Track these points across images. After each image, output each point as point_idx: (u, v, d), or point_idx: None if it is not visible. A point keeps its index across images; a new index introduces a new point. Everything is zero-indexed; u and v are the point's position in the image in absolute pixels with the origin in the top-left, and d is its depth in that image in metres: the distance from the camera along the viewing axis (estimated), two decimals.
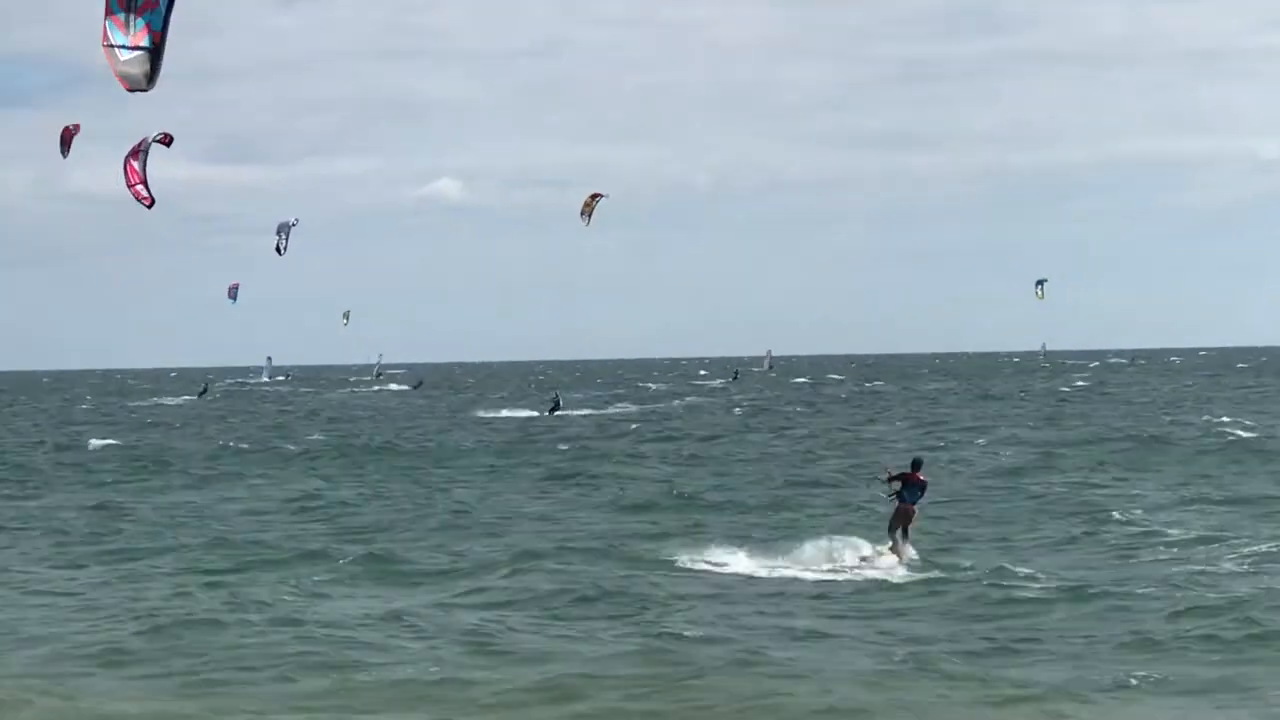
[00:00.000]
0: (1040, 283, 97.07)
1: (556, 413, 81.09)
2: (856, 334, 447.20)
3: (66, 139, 51.56)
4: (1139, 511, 32.69)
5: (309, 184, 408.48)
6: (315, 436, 65.09)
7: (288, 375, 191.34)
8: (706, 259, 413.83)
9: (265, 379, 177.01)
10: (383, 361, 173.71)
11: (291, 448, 57.96)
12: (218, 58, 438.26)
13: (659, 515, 34.03)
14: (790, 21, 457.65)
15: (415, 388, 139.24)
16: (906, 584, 24.54)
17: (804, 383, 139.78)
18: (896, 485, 26.61)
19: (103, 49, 17.40)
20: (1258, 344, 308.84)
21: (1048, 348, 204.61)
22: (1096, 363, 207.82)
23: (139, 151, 29.05)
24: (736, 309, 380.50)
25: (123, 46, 17.33)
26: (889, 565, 25.80)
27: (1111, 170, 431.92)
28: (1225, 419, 61.61)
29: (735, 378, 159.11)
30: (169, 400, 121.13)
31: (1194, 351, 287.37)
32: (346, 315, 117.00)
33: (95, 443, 62.24)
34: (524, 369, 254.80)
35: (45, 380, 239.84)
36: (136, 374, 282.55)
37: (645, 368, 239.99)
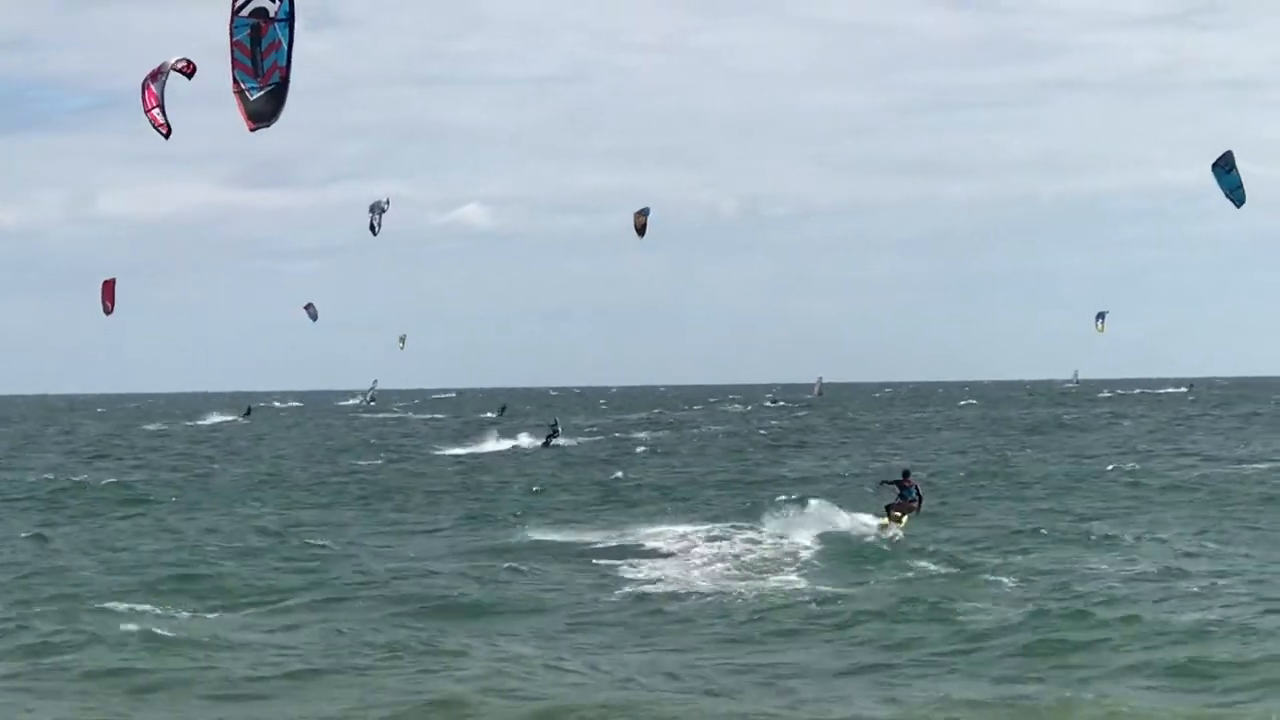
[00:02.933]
0: (1101, 315, 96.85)
1: (553, 443, 75.22)
2: (891, 361, 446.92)
3: (108, 293, 52.27)
4: None
5: (339, 209, 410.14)
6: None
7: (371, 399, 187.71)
8: (739, 286, 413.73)
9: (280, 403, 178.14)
10: (377, 387, 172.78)
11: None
12: None
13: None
14: (820, 48, 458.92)
15: (500, 414, 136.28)
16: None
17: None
18: (895, 489, 36.61)
19: (233, 94, 18.96)
20: None
21: (1080, 375, 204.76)
22: (1139, 390, 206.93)
23: (158, 75, 27.79)
24: (771, 336, 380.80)
25: (252, 89, 18.89)
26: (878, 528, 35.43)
27: (1144, 199, 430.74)
28: None
29: (774, 403, 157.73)
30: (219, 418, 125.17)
31: (1224, 381, 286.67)
32: (403, 339, 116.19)
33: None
34: (555, 394, 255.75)
35: (93, 404, 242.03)
36: (168, 398, 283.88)
37: (664, 395, 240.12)
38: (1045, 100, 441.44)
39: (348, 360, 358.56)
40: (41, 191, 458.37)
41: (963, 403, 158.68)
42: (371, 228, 57.24)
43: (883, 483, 39.65)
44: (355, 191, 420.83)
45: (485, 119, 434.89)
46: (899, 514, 35.92)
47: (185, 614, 25.43)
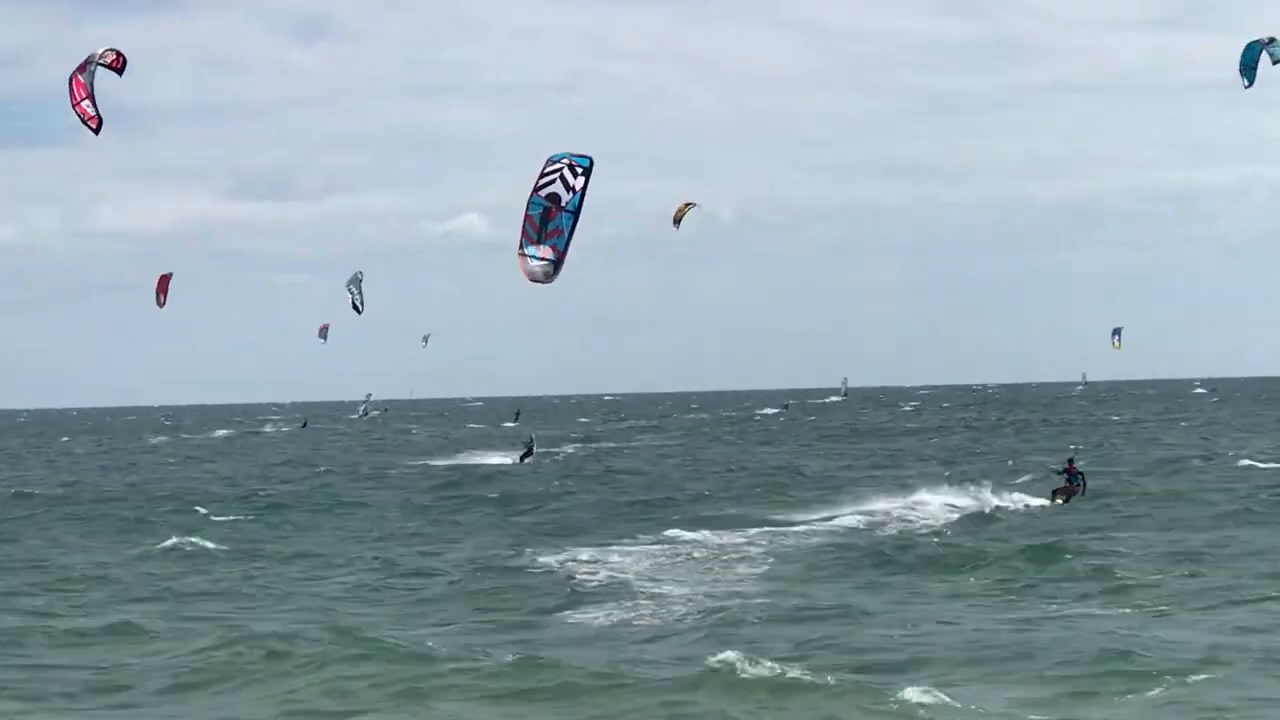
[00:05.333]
0: (1116, 331, 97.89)
1: (528, 459, 72.60)
2: (890, 365, 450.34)
3: (163, 287, 54.17)
4: None
5: (335, 221, 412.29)
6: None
7: (384, 410, 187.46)
8: (736, 293, 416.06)
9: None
10: (371, 400, 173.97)
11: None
12: (241, 95, 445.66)
13: None
14: (813, 53, 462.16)
15: (515, 419, 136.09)
16: None
17: None
18: (1064, 477, 43.09)
19: (517, 255, 22.49)
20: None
21: (1088, 378, 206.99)
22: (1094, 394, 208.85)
23: (85, 66, 27.48)
24: (772, 343, 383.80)
25: (534, 256, 22.49)
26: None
27: (1137, 200, 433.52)
28: None
29: (785, 408, 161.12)
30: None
31: (1220, 381, 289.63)
32: (426, 339, 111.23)
33: None
34: (557, 403, 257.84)
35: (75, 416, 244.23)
36: (165, 411, 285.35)
37: (653, 401, 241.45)
38: (1038, 103, 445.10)
39: (343, 371, 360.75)
40: (37, 206, 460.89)
41: (906, 407, 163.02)
42: (355, 307, 57.76)
43: (1052, 470, 45.58)
44: (350, 203, 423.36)
45: (480, 127, 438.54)
46: (1063, 498, 42.20)
47: None
